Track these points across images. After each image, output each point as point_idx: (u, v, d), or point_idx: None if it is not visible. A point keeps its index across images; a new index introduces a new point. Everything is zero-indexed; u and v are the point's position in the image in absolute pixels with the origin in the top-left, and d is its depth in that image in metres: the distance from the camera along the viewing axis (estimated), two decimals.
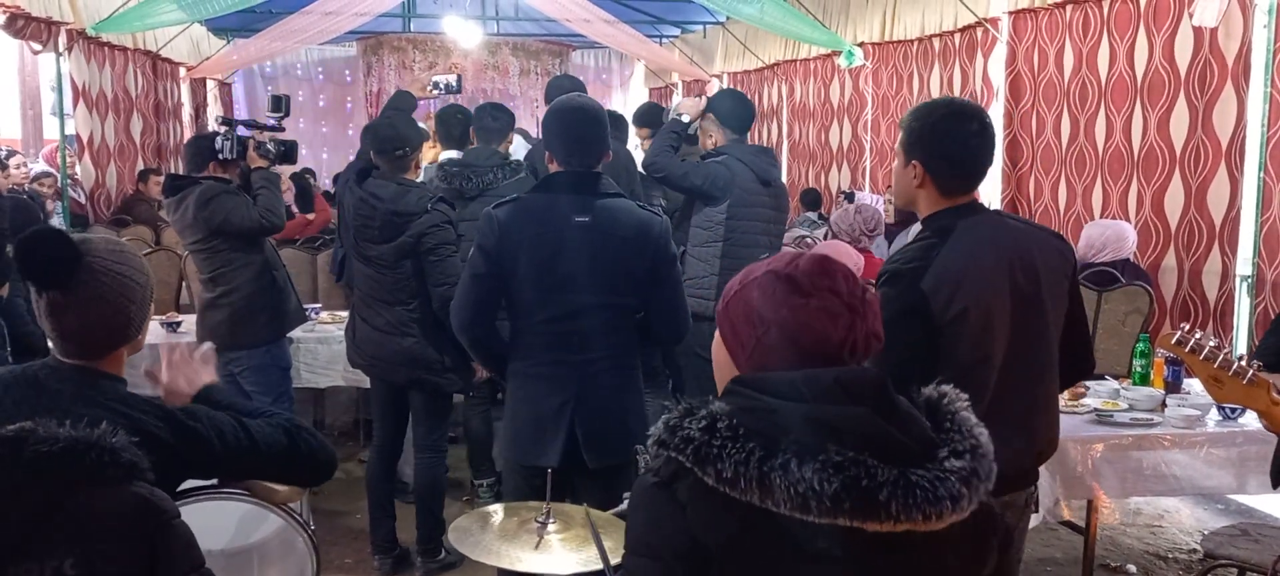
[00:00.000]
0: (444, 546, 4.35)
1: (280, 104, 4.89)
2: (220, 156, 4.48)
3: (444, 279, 4.00)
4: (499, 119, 4.87)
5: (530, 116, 12.23)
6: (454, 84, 5.17)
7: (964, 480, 1.36)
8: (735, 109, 4.71)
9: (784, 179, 11.15)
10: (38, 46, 7.72)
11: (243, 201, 4.39)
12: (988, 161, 2.50)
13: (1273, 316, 4.87)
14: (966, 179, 2.47)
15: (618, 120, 5.53)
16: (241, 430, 2.02)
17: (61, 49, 7.90)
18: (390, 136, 4.14)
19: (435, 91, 5.10)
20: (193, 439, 1.93)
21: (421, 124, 5.08)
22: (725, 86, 12.51)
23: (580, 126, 3.08)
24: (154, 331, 5.20)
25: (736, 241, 4.46)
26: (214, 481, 2.13)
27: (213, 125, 12.27)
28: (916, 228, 6.15)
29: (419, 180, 4.31)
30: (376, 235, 4.07)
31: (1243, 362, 2.25)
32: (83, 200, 8.60)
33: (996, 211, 2.55)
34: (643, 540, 1.44)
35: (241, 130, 4.67)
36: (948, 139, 2.43)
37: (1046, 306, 2.47)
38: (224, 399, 2.18)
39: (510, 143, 4.99)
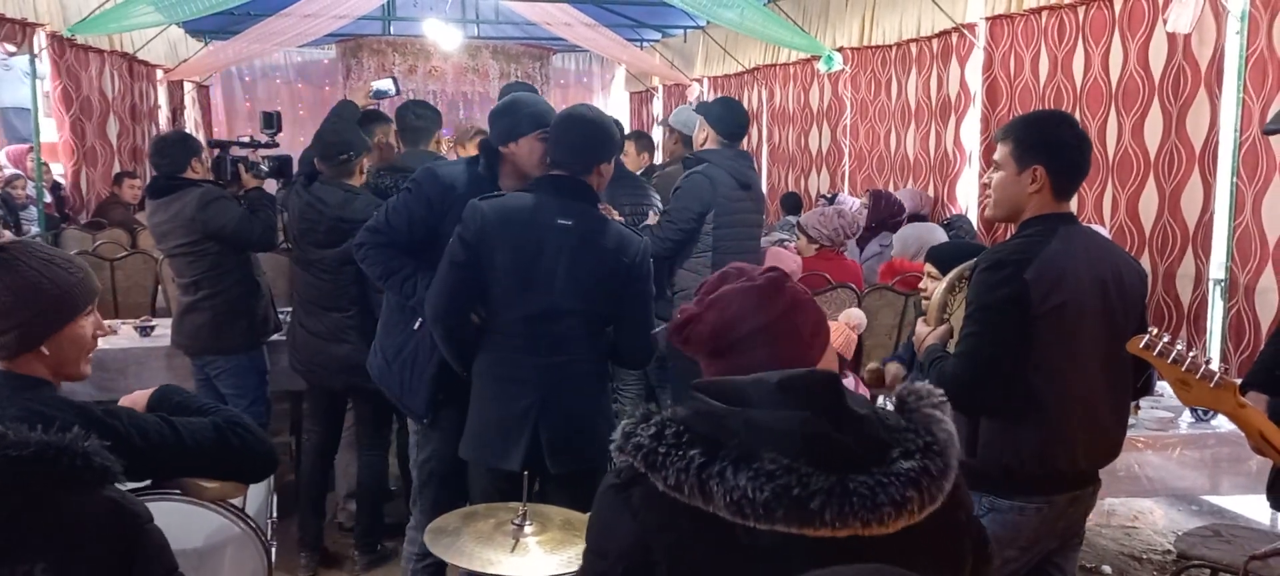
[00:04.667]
0: (381, 542, 4.45)
1: (272, 121, 4.89)
2: (219, 180, 4.48)
3: None
4: (423, 117, 4.74)
5: None
6: (390, 88, 5.20)
7: (911, 481, 1.34)
8: (724, 115, 4.71)
9: (764, 183, 11.22)
10: (12, 48, 7.66)
11: (243, 212, 4.41)
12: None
13: (1245, 320, 4.93)
14: (1078, 183, 2.65)
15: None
16: (166, 427, 1.98)
17: (37, 50, 7.83)
18: (334, 142, 4.16)
19: (376, 99, 5.11)
20: (110, 437, 1.85)
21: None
22: (706, 91, 12.55)
23: (576, 133, 3.12)
24: (127, 335, 5.17)
25: (723, 248, 4.47)
26: (146, 482, 2.10)
27: (190, 129, 12.23)
28: (907, 233, 6.18)
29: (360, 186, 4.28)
30: (321, 240, 4.10)
31: (1209, 366, 2.28)
32: (53, 203, 8.52)
33: (1090, 227, 2.74)
34: (595, 539, 1.48)
35: (234, 150, 4.68)
36: (1070, 146, 2.59)
37: (1127, 320, 2.61)
38: (176, 396, 2.17)
39: (439, 143, 4.88)
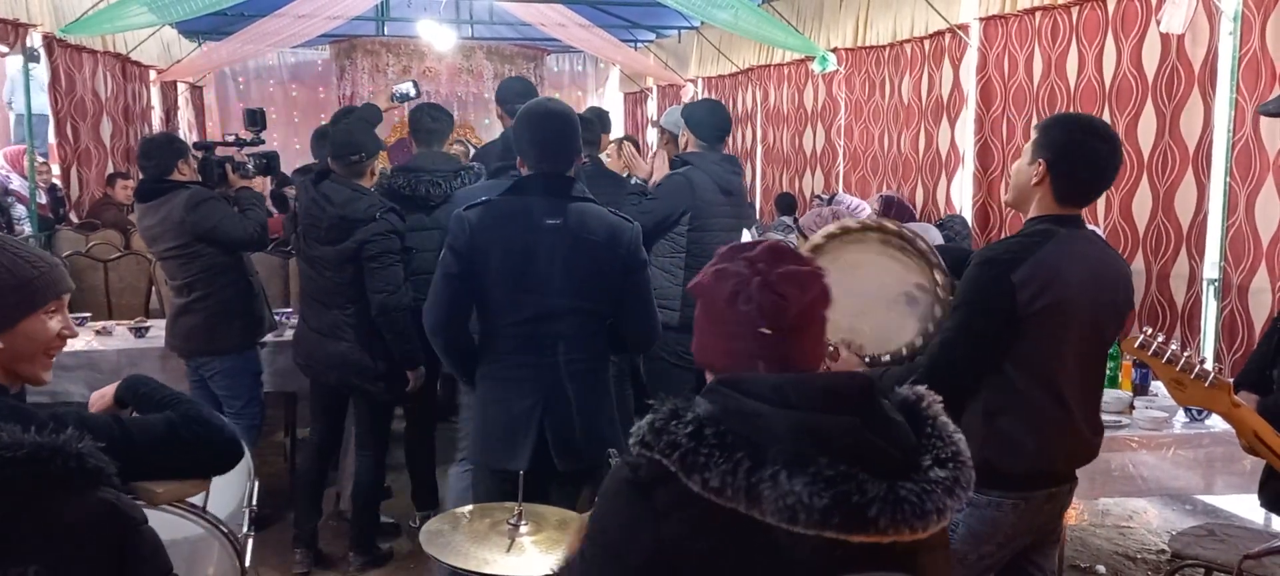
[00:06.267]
0: (376, 542, 4.49)
1: (256, 118, 4.89)
2: (207, 182, 4.48)
3: (383, 287, 4.05)
4: (438, 120, 4.75)
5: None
6: (411, 91, 5.24)
7: (948, 490, 1.36)
8: (707, 118, 4.68)
9: (758, 184, 11.23)
10: (5, 49, 7.64)
11: (232, 212, 4.42)
12: (1107, 184, 2.64)
13: (1238, 320, 4.94)
14: (1081, 194, 2.60)
15: (602, 117, 5.54)
16: (116, 427, 1.90)
17: (30, 50, 7.80)
18: (346, 142, 4.18)
19: (396, 103, 5.16)
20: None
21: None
22: (700, 92, 12.56)
23: (551, 129, 3.08)
24: (121, 336, 5.16)
25: (698, 252, 4.41)
26: None
27: (184, 130, 12.20)
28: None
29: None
30: (322, 237, 4.12)
31: (1204, 366, 2.29)
32: (49, 204, 8.50)
33: (1092, 230, 2.73)
34: (608, 535, 1.42)
35: (219, 151, 4.67)
36: (1079, 153, 2.55)
37: (1112, 327, 2.64)
38: (141, 387, 2.11)
39: (452, 144, 4.90)
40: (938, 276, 2.69)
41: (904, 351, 2.70)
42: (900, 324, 2.71)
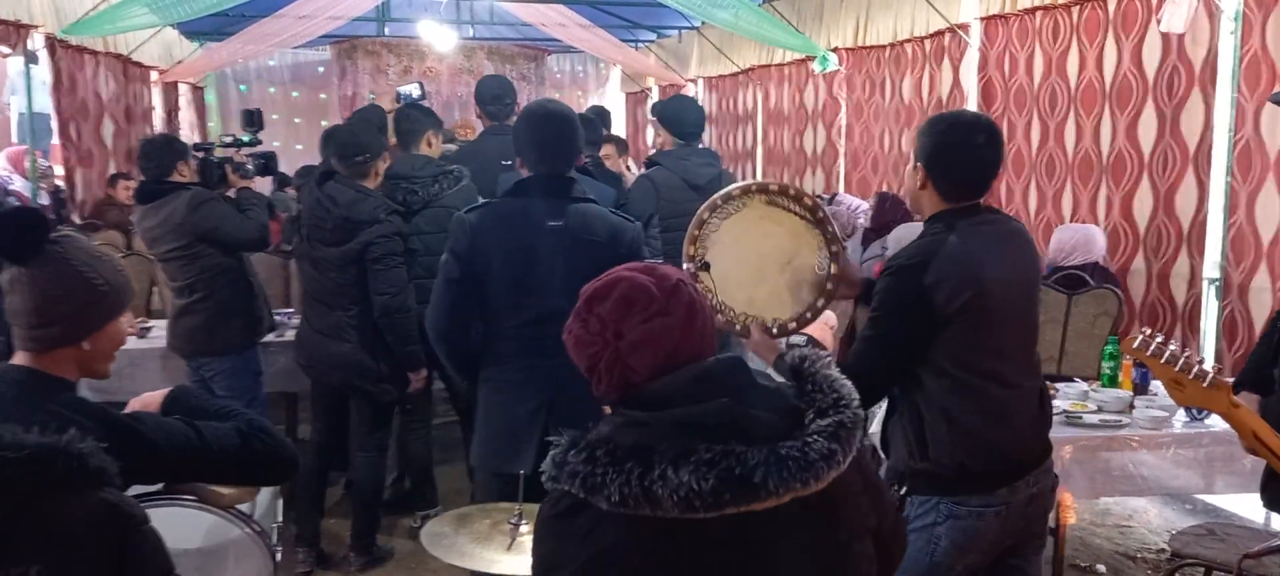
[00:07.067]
0: (376, 542, 4.50)
1: (253, 119, 4.90)
2: (207, 183, 4.49)
3: (386, 288, 4.07)
4: (413, 119, 4.74)
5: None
6: (415, 93, 5.23)
7: (832, 436, 1.43)
8: (675, 115, 4.64)
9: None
10: (7, 50, 7.65)
11: (234, 212, 4.42)
12: (992, 174, 2.61)
13: (1239, 319, 4.95)
14: (966, 189, 2.57)
15: (603, 116, 5.54)
16: (192, 432, 1.98)
17: (32, 51, 7.82)
18: (351, 143, 4.19)
19: (402, 104, 5.17)
20: (135, 442, 1.87)
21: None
22: (700, 92, 12.55)
23: (551, 130, 3.08)
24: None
25: (674, 254, 4.38)
26: (158, 487, 2.10)
27: (185, 131, 12.20)
28: (899, 232, 6.21)
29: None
30: (327, 237, 4.12)
31: (1203, 366, 2.28)
32: (52, 205, 8.51)
33: (992, 210, 2.67)
34: (550, 565, 1.47)
35: (217, 152, 4.67)
36: (951, 150, 2.54)
37: (1036, 302, 2.65)
38: (192, 398, 2.16)
39: (429, 143, 4.85)
40: (825, 230, 2.73)
41: (808, 315, 2.74)
42: (796, 286, 2.75)
